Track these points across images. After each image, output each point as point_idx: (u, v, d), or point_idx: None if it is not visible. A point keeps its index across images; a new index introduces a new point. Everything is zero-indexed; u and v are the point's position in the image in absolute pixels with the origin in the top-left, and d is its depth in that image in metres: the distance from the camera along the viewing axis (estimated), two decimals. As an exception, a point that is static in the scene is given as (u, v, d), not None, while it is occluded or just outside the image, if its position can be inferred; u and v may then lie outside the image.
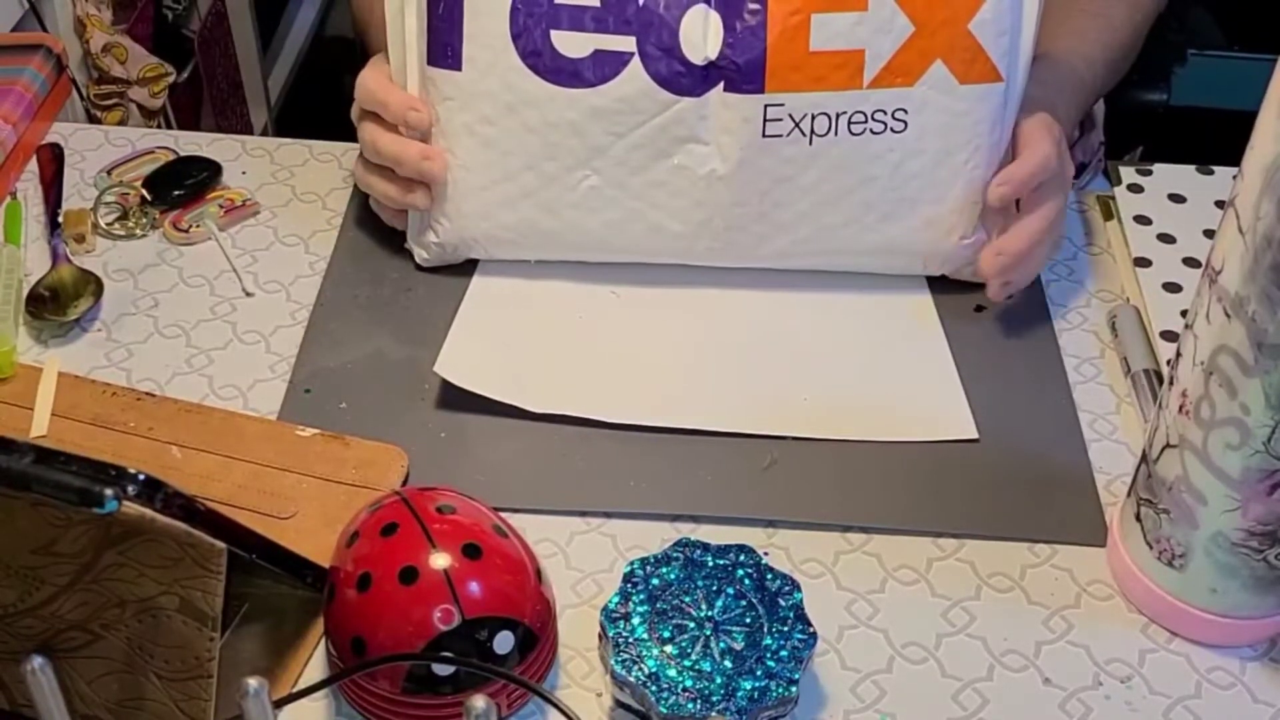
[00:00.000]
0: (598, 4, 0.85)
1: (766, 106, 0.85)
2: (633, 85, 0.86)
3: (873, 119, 0.86)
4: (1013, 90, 0.88)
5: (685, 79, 0.85)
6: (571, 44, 0.86)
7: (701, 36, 0.85)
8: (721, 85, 0.85)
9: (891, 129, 0.87)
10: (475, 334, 0.89)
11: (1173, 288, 0.91)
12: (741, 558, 0.71)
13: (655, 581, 0.70)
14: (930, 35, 0.85)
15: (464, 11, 0.86)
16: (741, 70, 0.85)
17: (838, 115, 0.86)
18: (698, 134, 0.87)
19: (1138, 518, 0.74)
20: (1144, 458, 0.73)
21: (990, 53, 0.86)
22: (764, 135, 0.86)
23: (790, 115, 0.86)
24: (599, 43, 0.85)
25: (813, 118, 0.86)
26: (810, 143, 0.87)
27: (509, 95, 0.87)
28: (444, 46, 0.87)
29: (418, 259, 0.94)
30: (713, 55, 0.85)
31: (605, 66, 0.85)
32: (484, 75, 0.87)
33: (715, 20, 0.85)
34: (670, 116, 0.86)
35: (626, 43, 0.85)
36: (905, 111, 0.86)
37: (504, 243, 0.92)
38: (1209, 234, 0.95)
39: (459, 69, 0.87)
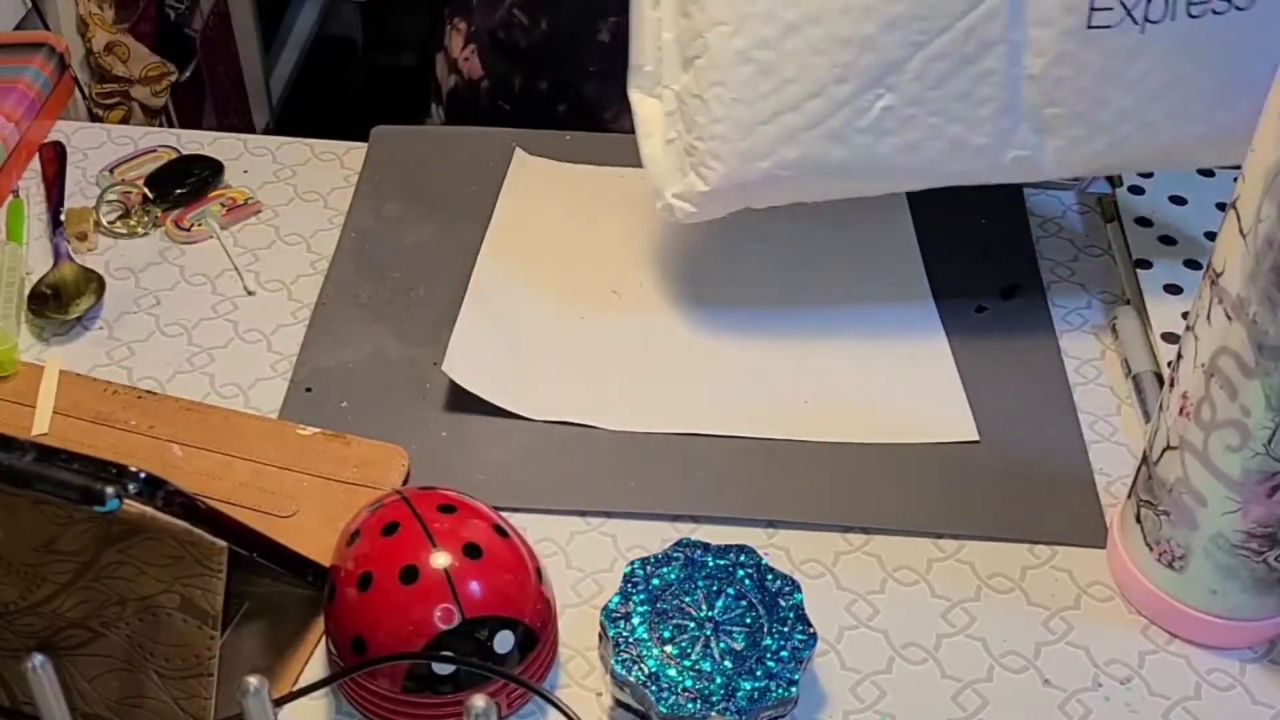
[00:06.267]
0: None
1: None
2: None
3: None
4: None
5: None
6: None
7: None
8: None
9: (1236, 5, 0.78)
10: (478, 334, 0.88)
11: (1173, 289, 0.91)
12: (742, 558, 0.71)
13: (656, 582, 0.70)
14: None
15: None
16: None
17: None
18: (1008, 33, 0.78)
19: (1138, 519, 0.74)
20: (1144, 459, 0.73)
21: None
22: (1089, 26, 0.77)
23: (1121, 2, 0.77)
24: None
25: (1147, 2, 0.77)
26: (1142, 30, 0.77)
27: (791, 12, 0.77)
28: None
29: (678, 214, 0.85)
30: None
31: None
32: None
33: None
34: (979, 15, 0.77)
35: None
36: None
37: (783, 183, 0.82)
38: (1210, 236, 0.95)
39: None
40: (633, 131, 1.15)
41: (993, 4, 0.77)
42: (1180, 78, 0.80)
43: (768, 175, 0.81)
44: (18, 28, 1.25)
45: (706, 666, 0.66)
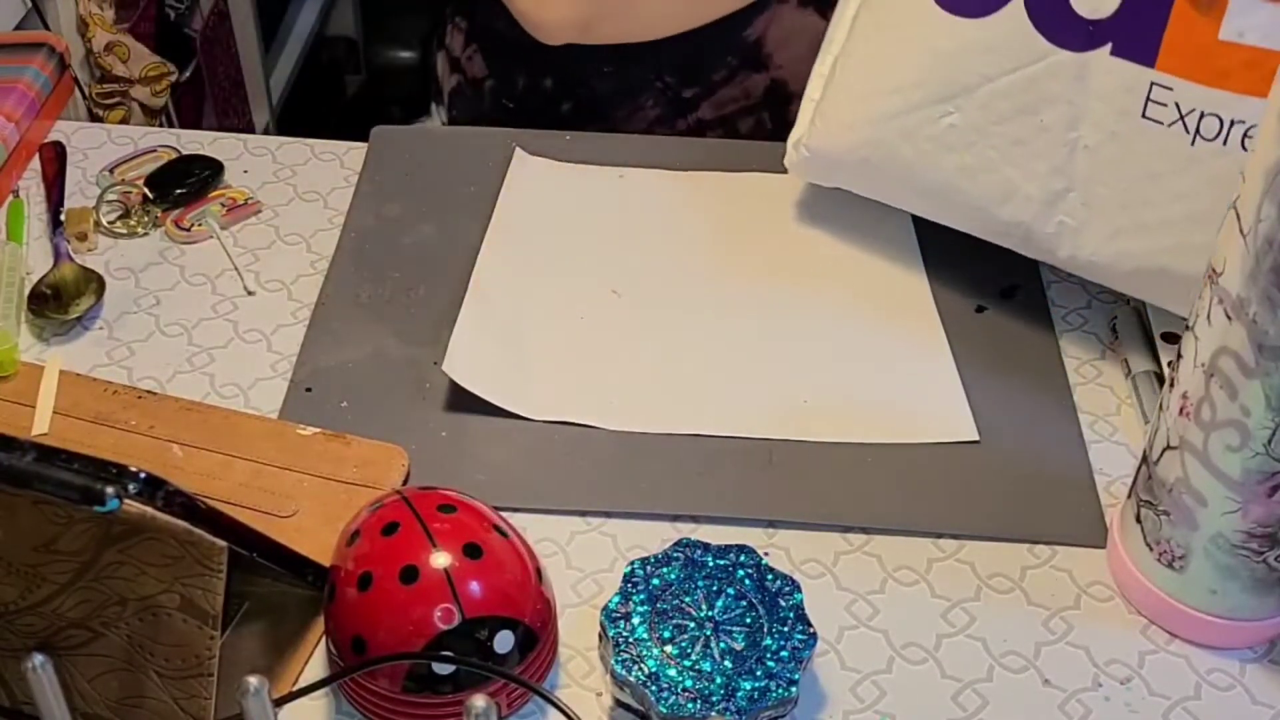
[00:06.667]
0: None
1: (1153, 85, 0.77)
2: (1010, 24, 0.80)
3: None
4: None
5: (1068, 32, 0.78)
6: None
7: None
8: (1109, 47, 0.77)
9: None
10: (478, 334, 0.88)
11: (1174, 289, 0.91)
12: (742, 558, 0.71)
13: (656, 582, 0.70)
14: None
15: None
16: (1134, 37, 0.76)
17: (1231, 123, 0.75)
18: (1069, 95, 0.79)
19: (1138, 519, 0.74)
20: (1144, 459, 0.73)
21: None
22: (1144, 115, 0.77)
23: (1177, 104, 0.76)
24: None
25: (1201, 116, 0.76)
26: (1193, 143, 0.76)
27: (907, 6, 0.84)
28: None
29: (787, 162, 0.95)
30: (1107, 13, 0.77)
31: None
32: None
33: None
34: (1043, 69, 0.80)
35: None
36: None
37: (861, 167, 0.89)
38: (1210, 236, 0.95)
39: None
40: (641, 130, 1.16)
41: (1056, 61, 0.80)
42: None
43: (849, 149, 0.88)
44: (18, 28, 1.25)
45: (706, 666, 0.66)
